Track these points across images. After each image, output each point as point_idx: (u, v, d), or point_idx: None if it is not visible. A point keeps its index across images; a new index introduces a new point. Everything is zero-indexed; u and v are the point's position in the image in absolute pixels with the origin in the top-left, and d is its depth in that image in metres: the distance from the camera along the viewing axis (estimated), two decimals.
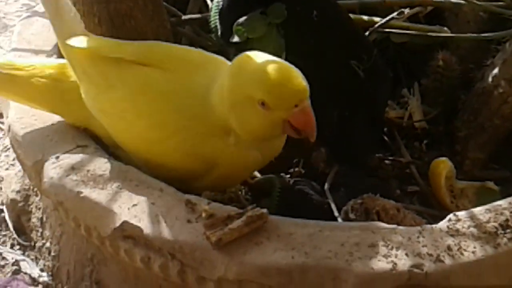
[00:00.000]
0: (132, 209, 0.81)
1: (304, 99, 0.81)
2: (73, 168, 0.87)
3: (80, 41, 0.89)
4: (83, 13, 0.92)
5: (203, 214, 0.79)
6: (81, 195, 0.84)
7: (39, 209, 1.08)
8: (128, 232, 0.80)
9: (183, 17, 1.16)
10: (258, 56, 0.83)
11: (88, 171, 0.86)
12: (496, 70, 1.04)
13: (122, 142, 0.89)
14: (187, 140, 0.85)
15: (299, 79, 0.81)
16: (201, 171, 0.86)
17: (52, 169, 0.87)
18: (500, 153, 1.08)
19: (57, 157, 0.89)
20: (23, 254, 1.09)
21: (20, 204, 1.12)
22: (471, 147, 1.07)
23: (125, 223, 0.80)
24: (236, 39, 1.00)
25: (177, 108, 0.85)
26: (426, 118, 1.09)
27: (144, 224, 0.79)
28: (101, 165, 0.87)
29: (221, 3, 1.03)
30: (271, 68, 0.81)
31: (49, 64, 0.96)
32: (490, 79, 1.05)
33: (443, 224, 0.78)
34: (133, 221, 0.80)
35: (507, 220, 0.78)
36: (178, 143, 0.85)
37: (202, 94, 0.85)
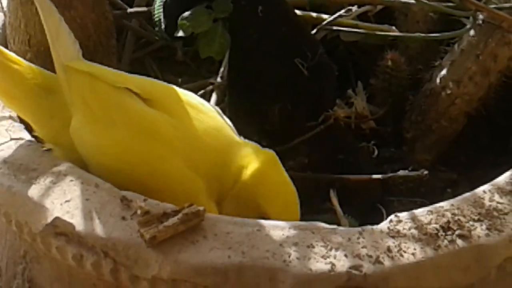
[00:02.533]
0: (65, 205, 0.78)
1: None
2: (5, 162, 0.84)
3: (83, 66, 0.84)
4: (20, 0, 0.89)
5: (139, 211, 0.76)
6: (13, 189, 0.81)
7: None
8: (60, 229, 0.77)
9: (129, 10, 1.13)
10: None
11: (21, 165, 0.83)
12: (444, 71, 1.04)
13: (113, 181, 0.82)
14: (189, 193, 0.82)
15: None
16: None
17: None
18: (448, 155, 1.07)
19: None
20: None
21: None
22: (418, 149, 1.06)
23: (57, 219, 0.77)
24: (180, 33, 0.98)
25: (182, 158, 0.82)
26: (371, 118, 1.08)
27: (76, 220, 0.77)
28: (35, 159, 0.84)
29: None
30: None
31: (45, 72, 0.90)
32: (438, 80, 1.04)
33: (383, 225, 0.77)
34: (66, 217, 0.77)
35: (448, 222, 0.77)
36: (179, 194, 0.81)
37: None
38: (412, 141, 1.06)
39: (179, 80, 1.17)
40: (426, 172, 0.98)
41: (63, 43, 0.85)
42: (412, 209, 0.80)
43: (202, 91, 1.10)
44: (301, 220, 0.85)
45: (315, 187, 0.98)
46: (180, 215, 0.75)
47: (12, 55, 0.89)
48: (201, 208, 0.75)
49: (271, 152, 0.84)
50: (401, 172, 0.98)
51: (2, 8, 1.02)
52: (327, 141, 1.01)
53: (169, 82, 0.91)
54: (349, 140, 1.04)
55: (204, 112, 0.86)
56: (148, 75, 1.13)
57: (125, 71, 0.89)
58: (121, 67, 1.00)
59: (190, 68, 1.21)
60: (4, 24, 1.04)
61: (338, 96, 1.10)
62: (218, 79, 1.09)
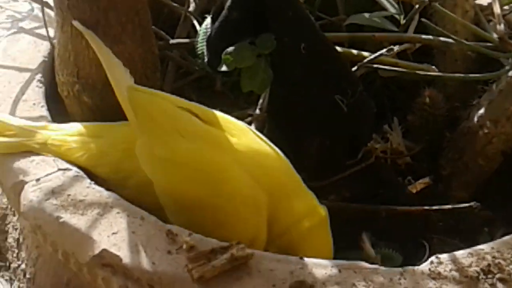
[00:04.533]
0: (112, 237, 0.80)
1: None
2: (53, 192, 0.85)
3: (144, 89, 0.89)
4: (71, 34, 0.91)
5: (184, 246, 0.78)
6: (61, 220, 0.82)
7: (16, 229, 1.06)
8: (106, 260, 0.79)
9: (171, 41, 1.15)
10: None
11: (68, 195, 0.85)
12: (482, 110, 1.05)
13: (179, 199, 0.86)
14: (253, 204, 0.85)
15: None
16: None
17: (32, 192, 0.86)
18: (483, 193, 1.07)
19: (38, 180, 0.87)
20: None
21: None
22: (455, 186, 1.07)
23: (104, 251, 0.79)
24: (224, 68, 0.99)
25: (246, 170, 0.85)
26: (408, 154, 1.09)
27: (123, 253, 0.78)
28: (82, 190, 0.86)
29: (209, 30, 1.03)
30: None
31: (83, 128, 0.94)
32: (475, 119, 1.05)
33: (424, 266, 0.78)
34: (112, 250, 0.79)
35: (489, 265, 0.77)
36: (244, 204, 0.85)
37: None
38: (448, 178, 1.07)
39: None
40: (478, 204, 0.98)
41: (118, 71, 0.89)
42: (452, 247, 0.81)
43: None
44: (341, 254, 0.86)
45: (358, 219, 0.99)
46: (228, 255, 0.76)
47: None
48: (250, 251, 0.76)
49: (325, 210, 0.87)
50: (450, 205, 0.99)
51: (50, 40, 1.05)
52: (368, 175, 1.02)
53: None
54: (389, 174, 1.05)
55: (261, 138, 0.90)
56: None
57: None
58: None
59: (229, 98, 1.22)
60: (50, 54, 1.06)
61: (374, 130, 1.11)
62: (257, 111, 1.09)
